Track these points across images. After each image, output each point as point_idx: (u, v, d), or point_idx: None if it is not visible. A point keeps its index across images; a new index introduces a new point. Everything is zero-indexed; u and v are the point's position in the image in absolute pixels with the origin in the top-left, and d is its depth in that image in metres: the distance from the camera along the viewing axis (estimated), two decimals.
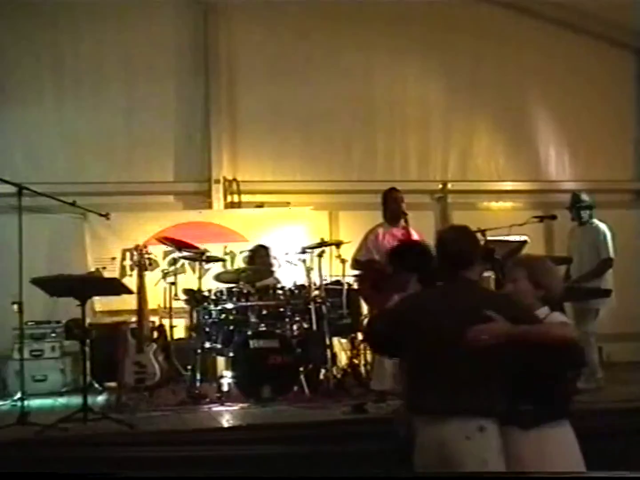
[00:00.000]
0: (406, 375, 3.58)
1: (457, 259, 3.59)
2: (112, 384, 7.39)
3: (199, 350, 7.23)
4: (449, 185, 9.81)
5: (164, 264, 8.61)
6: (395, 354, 4.03)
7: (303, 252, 7.62)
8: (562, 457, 3.52)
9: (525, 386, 3.43)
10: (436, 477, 3.47)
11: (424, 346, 3.42)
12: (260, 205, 9.39)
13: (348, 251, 7.38)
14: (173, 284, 7.71)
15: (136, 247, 7.77)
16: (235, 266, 8.67)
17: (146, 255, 7.51)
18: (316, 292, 7.42)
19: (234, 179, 9.38)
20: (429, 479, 3.49)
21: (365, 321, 7.03)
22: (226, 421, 6.12)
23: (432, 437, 3.36)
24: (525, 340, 3.34)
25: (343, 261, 7.55)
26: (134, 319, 7.34)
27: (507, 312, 3.38)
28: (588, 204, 7.55)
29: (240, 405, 6.72)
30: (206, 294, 7.46)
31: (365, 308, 7.46)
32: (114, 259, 8.74)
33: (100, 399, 7.27)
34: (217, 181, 9.30)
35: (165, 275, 7.93)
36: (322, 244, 7.59)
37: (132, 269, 8.58)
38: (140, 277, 7.42)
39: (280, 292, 7.48)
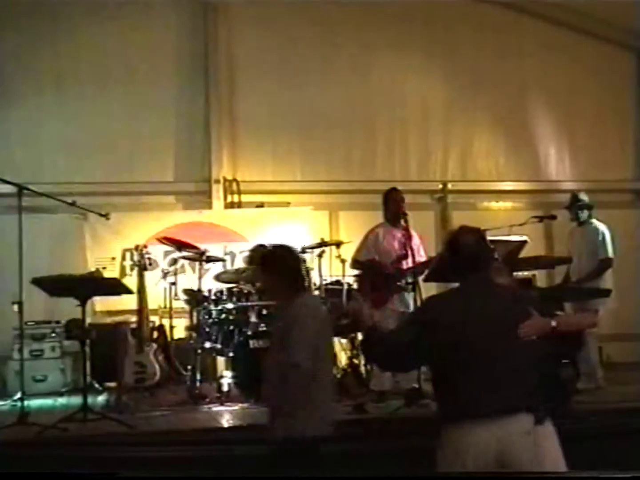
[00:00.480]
0: (443, 382, 3.48)
1: (480, 259, 3.60)
2: (112, 384, 7.39)
3: (199, 350, 7.23)
4: (449, 185, 9.81)
5: (164, 264, 8.60)
6: (410, 366, 3.95)
7: (303, 252, 7.61)
8: (557, 449, 3.58)
9: (538, 380, 3.49)
10: (436, 477, 3.47)
11: (467, 348, 3.37)
12: (260, 205, 9.39)
13: (348, 251, 7.37)
14: (173, 284, 7.71)
15: (136, 247, 7.78)
16: (235, 266, 8.67)
17: (146, 255, 7.51)
18: (316, 292, 7.41)
19: (234, 179, 9.38)
20: (426, 479, 3.49)
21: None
22: (226, 421, 6.12)
23: (487, 438, 3.30)
24: (564, 331, 3.45)
25: (343, 261, 7.55)
26: (134, 319, 7.35)
27: (534, 305, 3.49)
28: (586, 204, 7.53)
29: (240, 405, 6.72)
30: (206, 294, 7.46)
31: None
32: (114, 259, 8.74)
33: (100, 399, 7.27)
34: (217, 181, 9.30)
35: (165, 275, 7.92)
36: (322, 244, 7.60)
37: (132, 269, 8.57)
38: (140, 277, 7.42)
39: None
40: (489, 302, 3.49)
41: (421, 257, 6.87)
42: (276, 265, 4.14)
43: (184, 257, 8.06)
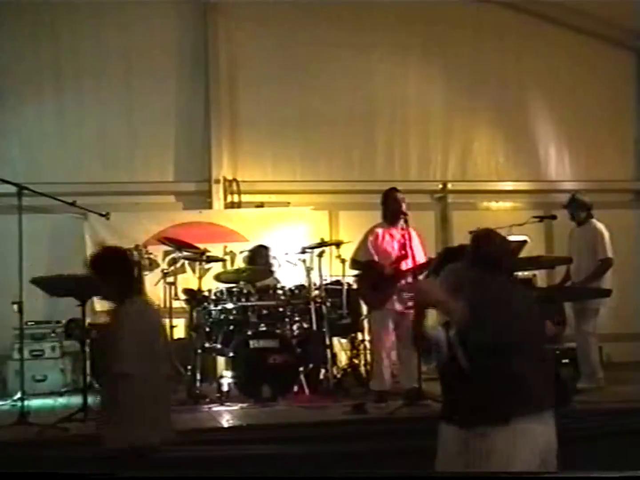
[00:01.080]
0: (509, 375, 3.38)
1: (509, 258, 3.71)
2: None
3: (199, 350, 7.24)
4: (449, 185, 9.81)
5: (164, 264, 8.60)
6: None
7: (303, 252, 7.63)
8: None
9: None
10: (436, 477, 3.47)
11: (530, 342, 3.42)
12: (260, 205, 9.39)
13: (348, 251, 7.38)
14: (173, 284, 7.71)
15: (136, 247, 7.78)
16: (235, 266, 8.67)
17: (146, 255, 7.51)
18: (316, 292, 7.42)
19: (234, 179, 9.37)
20: (426, 479, 3.49)
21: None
22: (226, 421, 6.12)
23: (544, 432, 3.33)
24: None
25: (343, 261, 7.56)
26: None
27: None
28: (585, 204, 7.52)
29: (240, 405, 6.72)
30: (206, 294, 7.47)
31: (364, 308, 7.46)
32: None
33: None
34: (217, 181, 9.30)
35: (165, 275, 7.93)
36: (322, 244, 7.60)
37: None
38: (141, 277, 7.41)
39: (280, 292, 7.49)
40: (532, 300, 3.61)
41: (421, 257, 6.86)
42: (104, 268, 4.10)
43: (184, 257, 8.06)
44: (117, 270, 4.09)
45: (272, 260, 8.18)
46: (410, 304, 3.47)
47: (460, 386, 3.44)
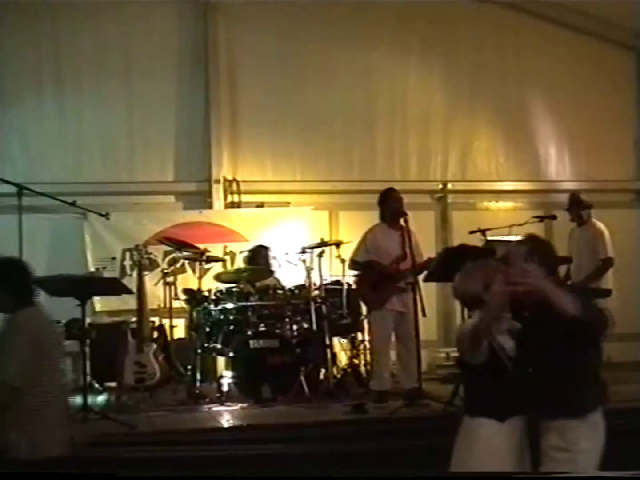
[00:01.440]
0: (586, 370, 3.51)
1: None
2: (112, 384, 7.39)
3: (199, 350, 7.24)
4: (449, 185, 9.81)
5: (164, 264, 8.61)
6: None
7: (303, 252, 7.62)
8: None
9: None
10: (436, 477, 3.48)
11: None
12: (260, 205, 9.39)
13: (348, 251, 7.37)
14: (173, 284, 7.72)
15: (136, 247, 7.79)
16: (235, 266, 8.67)
17: (146, 255, 7.52)
18: (316, 292, 7.42)
19: (234, 179, 9.37)
20: (426, 479, 3.49)
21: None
22: (226, 421, 6.12)
23: (604, 428, 3.45)
24: None
25: (343, 261, 7.56)
26: (134, 319, 7.35)
27: None
28: (585, 204, 7.54)
29: (240, 405, 6.73)
30: (206, 294, 7.47)
31: (364, 308, 7.45)
32: (114, 259, 8.73)
33: (100, 399, 7.26)
34: (217, 181, 9.29)
35: (165, 275, 7.93)
36: (322, 244, 7.60)
37: (132, 269, 8.59)
38: (140, 277, 7.43)
39: (280, 292, 7.49)
40: None
41: (420, 257, 6.85)
42: None
43: (184, 257, 8.07)
44: (9, 280, 4.07)
45: (272, 260, 8.18)
46: (506, 288, 3.31)
47: (522, 382, 3.44)
